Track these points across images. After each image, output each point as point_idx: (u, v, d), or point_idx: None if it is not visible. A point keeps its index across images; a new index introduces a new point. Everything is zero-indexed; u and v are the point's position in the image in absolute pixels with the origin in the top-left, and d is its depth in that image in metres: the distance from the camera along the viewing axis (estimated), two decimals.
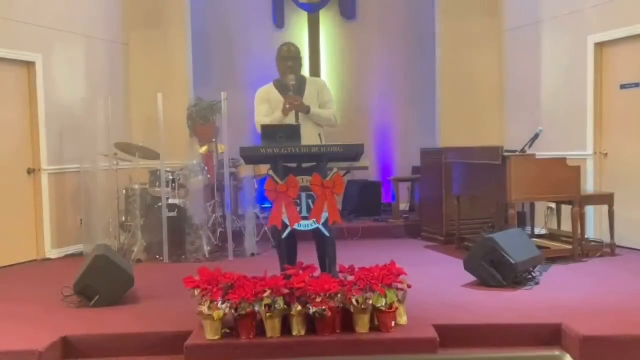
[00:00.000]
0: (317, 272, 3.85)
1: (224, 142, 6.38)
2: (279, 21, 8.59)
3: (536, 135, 5.52)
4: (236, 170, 6.98)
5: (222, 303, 3.50)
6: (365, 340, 3.50)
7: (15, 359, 3.45)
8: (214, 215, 6.69)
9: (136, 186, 6.35)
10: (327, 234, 3.98)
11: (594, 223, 6.34)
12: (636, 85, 5.97)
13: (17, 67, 6.21)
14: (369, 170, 7.71)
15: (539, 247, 5.26)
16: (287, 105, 4.31)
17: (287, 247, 4.23)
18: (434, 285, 4.69)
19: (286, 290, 3.54)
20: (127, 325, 3.90)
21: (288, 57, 4.48)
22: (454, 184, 6.33)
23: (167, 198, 6.18)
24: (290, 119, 4.31)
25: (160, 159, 6.17)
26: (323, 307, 3.44)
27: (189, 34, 7.87)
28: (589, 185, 6.31)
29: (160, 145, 6.15)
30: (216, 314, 3.47)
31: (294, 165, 4.04)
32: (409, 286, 3.72)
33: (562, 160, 5.48)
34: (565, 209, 6.03)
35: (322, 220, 3.92)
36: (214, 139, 7.05)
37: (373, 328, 3.58)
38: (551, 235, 6.18)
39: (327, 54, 8.64)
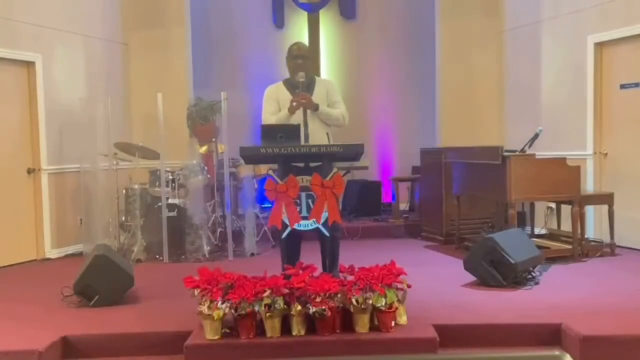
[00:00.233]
0: (317, 272, 3.85)
1: (224, 142, 6.38)
2: (279, 21, 8.59)
3: (536, 135, 5.52)
4: (236, 170, 6.98)
5: (222, 303, 3.50)
6: (365, 340, 3.50)
7: (15, 359, 3.45)
8: (214, 215, 6.69)
9: (136, 186, 6.35)
10: (327, 233, 3.97)
11: (594, 223, 6.34)
12: (636, 85, 5.97)
13: (17, 67, 6.21)
14: (369, 170, 7.70)
15: (539, 247, 5.26)
16: (294, 104, 4.30)
17: (290, 247, 4.23)
18: (434, 285, 4.69)
19: (286, 290, 3.54)
20: (127, 325, 3.90)
21: (298, 55, 4.49)
22: (454, 184, 6.33)
23: (167, 198, 6.18)
24: (299, 117, 4.28)
25: (160, 159, 6.17)
26: (323, 307, 3.44)
27: (189, 34, 7.87)
28: (589, 185, 6.31)
29: (160, 145, 6.15)
30: (216, 314, 3.47)
31: (301, 165, 4.05)
32: (409, 286, 3.72)
33: (562, 160, 5.48)
34: (565, 209, 6.03)
35: (322, 220, 3.91)
36: (214, 139, 7.05)
37: (373, 328, 3.58)
38: (551, 235, 6.18)
39: (327, 54, 8.65)
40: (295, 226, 3.91)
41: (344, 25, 8.68)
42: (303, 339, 3.51)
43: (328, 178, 3.91)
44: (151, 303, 4.44)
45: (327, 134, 4.45)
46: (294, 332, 3.53)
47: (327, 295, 3.48)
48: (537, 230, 6.47)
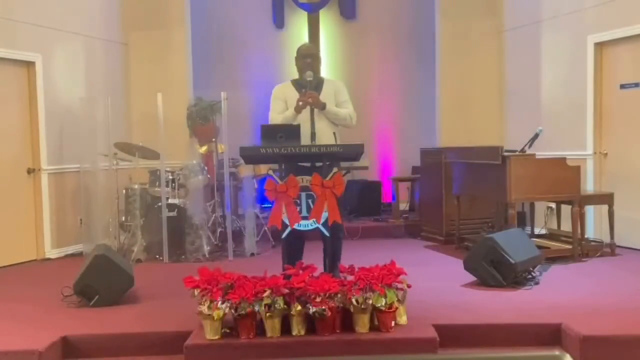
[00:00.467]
0: (317, 272, 3.85)
1: (224, 142, 6.38)
2: (279, 21, 8.59)
3: (536, 135, 5.52)
4: (236, 170, 6.98)
5: (222, 303, 3.50)
6: (365, 340, 3.50)
7: (15, 359, 3.45)
8: (214, 215, 6.69)
9: (136, 186, 6.35)
10: (326, 233, 3.98)
11: (594, 223, 6.34)
12: (636, 85, 5.97)
13: (17, 67, 6.21)
14: (369, 170, 7.71)
15: (539, 247, 5.26)
16: (301, 103, 4.30)
17: (292, 247, 4.24)
18: (434, 285, 4.69)
19: (286, 290, 3.54)
20: (127, 325, 3.90)
21: (307, 54, 4.49)
22: (454, 184, 6.33)
23: (167, 198, 6.18)
24: (306, 116, 4.27)
25: (160, 159, 6.17)
26: (323, 307, 3.44)
27: (189, 34, 7.87)
28: (589, 185, 6.31)
29: (160, 145, 6.15)
30: (216, 314, 3.47)
31: (307, 164, 4.06)
32: (409, 286, 3.72)
33: (562, 160, 5.48)
34: (565, 209, 6.03)
35: (322, 220, 3.91)
36: (214, 139, 7.05)
37: (373, 328, 3.58)
38: (551, 235, 6.18)
39: (327, 54, 8.64)
40: (296, 226, 3.91)
41: (344, 25, 8.68)
42: (303, 339, 3.51)
43: (328, 178, 3.91)
44: (151, 303, 4.44)
45: (334, 133, 4.44)
46: (294, 332, 3.53)
47: (327, 295, 3.48)
48: (537, 230, 6.47)
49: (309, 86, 4.33)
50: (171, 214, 6.11)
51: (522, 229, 5.67)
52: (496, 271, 4.59)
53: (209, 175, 6.59)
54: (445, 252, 6.18)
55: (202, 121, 7.24)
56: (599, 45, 6.29)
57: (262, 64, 8.43)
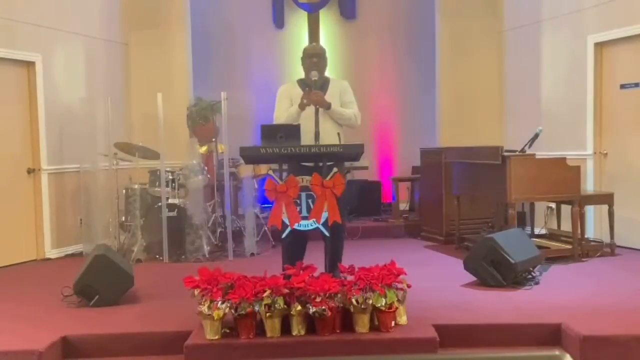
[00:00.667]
0: (317, 272, 3.85)
1: (224, 142, 6.38)
2: (279, 21, 8.59)
3: (536, 135, 5.52)
4: (236, 170, 6.98)
5: (222, 303, 3.50)
6: (365, 340, 3.50)
7: (15, 359, 3.45)
8: (214, 215, 6.69)
9: (136, 186, 6.35)
10: (326, 233, 3.98)
11: (594, 223, 6.34)
12: (636, 85, 5.97)
13: (17, 67, 6.20)
14: (369, 170, 7.71)
15: (539, 247, 5.26)
16: (305, 101, 4.30)
17: (294, 247, 4.24)
18: (434, 285, 4.69)
19: (286, 290, 3.54)
20: (127, 325, 3.90)
21: (313, 53, 4.48)
22: (454, 184, 6.33)
23: (167, 198, 6.18)
24: (311, 116, 4.27)
25: (160, 159, 6.17)
26: (323, 307, 3.44)
27: (189, 34, 7.87)
28: (589, 185, 6.31)
29: (160, 145, 6.15)
30: (216, 314, 3.47)
31: (311, 164, 4.07)
32: (409, 286, 3.72)
33: (562, 160, 5.48)
34: (565, 209, 6.03)
35: (322, 220, 3.91)
36: (214, 139, 7.05)
37: (373, 328, 3.58)
38: (551, 235, 6.18)
39: (327, 54, 8.61)
40: (296, 226, 3.91)
41: (344, 25, 8.68)
42: (303, 339, 3.51)
43: (328, 178, 3.91)
44: (151, 303, 4.44)
45: (339, 134, 4.42)
46: (294, 332, 3.53)
47: (327, 295, 3.48)
48: (537, 230, 6.47)
49: (314, 86, 4.32)
50: (171, 214, 6.11)
51: (522, 229, 5.67)
52: (496, 271, 4.59)
53: (209, 175, 6.59)
54: (445, 252, 6.18)
55: (202, 121, 7.24)
56: (599, 45, 6.29)
57: (262, 64, 8.43)
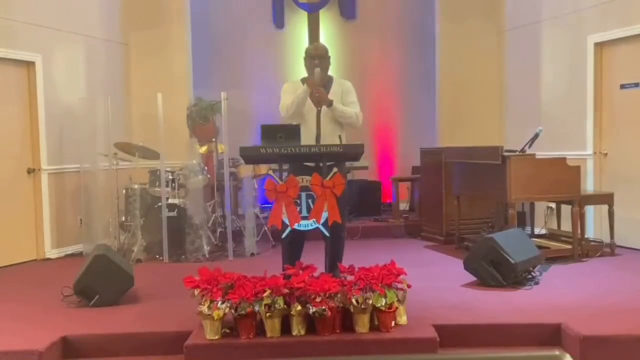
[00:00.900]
0: (317, 272, 3.85)
1: (224, 142, 6.38)
2: (279, 21, 8.59)
3: (536, 135, 5.52)
4: (236, 170, 6.98)
5: (222, 303, 3.50)
6: (365, 340, 3.50)
7: (15, 359, 3.45)
8: (214, 215, 6.69)
9: (136, 186, 6.35)
10: (326, 234, 3.98)
11: (594, 223, 6.34)
12: (636, 85, 5.97)
13: (17, 67, 6.20)
14: (369, 170, 7.71)
15: (539, 247, 5.26)
16: (310, 82, 4.28)
17: (292, 247, 4.24)
18: (434, 285, 4.69)
19: (286, 290, 3.54)
20: (127, 325, 3.90)
21: (315, 54, 4.47)
22: (454, 184, 6.33)
23: (167, 198, 6.18)
24: (312, 115, 4.28)
25: (160, 159, 6.17)
26: (323, 307, 3.44)
27: (189, 34, 7.87)
28: (589, 185, 6.31)
29: (160, 145, 6.15)
30: (216, 314, 3.47)
31: (312, 164, 4.07)
32: (409, 286, 3.72)
33: (562, 160, 5.48)
34: (565, 209, 6.03)
35: (322, 220, 3.91)
36: (214, 139, 7.05)
37: (373, 328, 3.58)
38: (551, 235, 6.18)
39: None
40: (296, 226, 3.91)
41: (344, 25, 8.67)
42: (303, 339, 3.51)
43: (328, 178, 3.91)
44: (151, 303, 4.44)
45: (340, 136, 4.41)
46: (294, 332, 3.53)
47: (327, 295, 3.48)
48: (537, 230, 6.47)
49: (315, 77, 4.28)
50: (171, 214, 6.11)
51: (522, 229, 5.67)
52: (496, 271, 4.59)
53: (209, 175, 6.59)
54: (445, 252, 6.18)
55: (202, 121, 7.24)
56: (599, 45, 6.29)
57: (262, 64, 8.43)
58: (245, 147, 4.04)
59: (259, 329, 3.56)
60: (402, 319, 3.66)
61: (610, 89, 6.25)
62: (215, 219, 6.69)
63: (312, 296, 3.48)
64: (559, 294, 4.35)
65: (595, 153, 6.36)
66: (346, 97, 4.48)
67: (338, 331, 3.56)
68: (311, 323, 3.55)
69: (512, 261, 4.52)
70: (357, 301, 3.51)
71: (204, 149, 7.20)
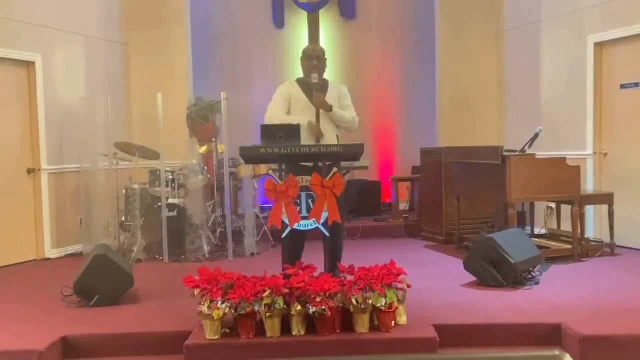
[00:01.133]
0: (317, 272, 3.85)
1: (224, 142, 6.38)
2: (279, 21, 8.59)
3: (536, 135, 5.52)
4: (236, 170, 6.98)
5: (222, 303, 3.50)
6: (365, 340, 3.50)
7: (15, 359, 3.45)
8: (214, 215, 6.69)
9: (136, 186, 6.35)
10: (326, 234, 3.98)
11: (594, 223, 6.34)
12: (636, 85, 5.97)
13: (17, 67, 6.20)
14: (369, 170, 7.71)
15: (539, 247, 5.26)
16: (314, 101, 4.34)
17: (292, 247, 4.24)
18: (434, 285, 4.69)
19: (286, 290, 3.54)
20: (127, 325, 3.90)
21: (314, 55, 4.52)
22: (454, 184, 6.33)
23: (167, 198, 6.18)
24: (311, 116, 4.34)
25: (160, 159, 6.17)
26: (323, 307, 3.44)
27: (189, 34, 7.87)
28: (589, 185, 6.31)
29: (160, 145, 6.15)
30: (216, 314, 3.47)
31: (310, 164, 4.08)
32: (409, 286, 3.72)
33: (562, 160, 5.48)
34: (565, 209, 6.03)
35: (322, 220, 3.91)
36: (214, 139, 7.05)
37: (373, 328, 3.58)
38: (551, 235, 6.18)
39: (327, 54, 8.60)
40: (296, 226, 3.91)
41: (344, 25, 8.67)
42: (303, 339, 3.51)
43: (328, 178, 3.91)
44: (151, 303, 4.44)
45: (337, 136, 4.50)
46: (294, 332, 3.53)
47: (327, 295, 3.48)
48: (537, 230, 6.47)
49: (315, 88, 4.35)
50: (171, 214, 6.11)
51: (522, 229, 5.67)
52: (496, 271, 4.59)
53: (209, 175, 6.59)
54: (445, 252, 6.18)
55: (202, 121, 7.24)
56: (599, 45, 6.29)
57: (262, 64, 8.43)
58: (245, 147, 4.04)
59: (259, 329, 3.56)
60: (402, 319, 3.66)
61: (610, 89, 6.25)
62: (215, 219, 6.69)
63: (312, 296, 3.48)
64: (559, 294, 4.35)
65: (595, 153, 6.36)
66: (343, 102, 4.55)
67: (338, 331, 3.56)
68: (311, 323, 3.55)
69: (512, 261, 4.52)
70: (357, 301, 3.50)
71: (204, 149, 7.20)
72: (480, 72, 7.77)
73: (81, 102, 6.77)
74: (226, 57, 8.46)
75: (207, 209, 6.53)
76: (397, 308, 3.59)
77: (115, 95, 7.07)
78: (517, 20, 7.40)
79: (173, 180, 6.28)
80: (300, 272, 3.70)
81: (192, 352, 3.49)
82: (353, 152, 4.04)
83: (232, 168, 6.72)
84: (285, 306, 3.50)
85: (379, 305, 3.51)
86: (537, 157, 5.51)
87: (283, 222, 3.92)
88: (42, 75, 6.35)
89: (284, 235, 4.03)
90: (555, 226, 6.34)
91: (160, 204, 6.13)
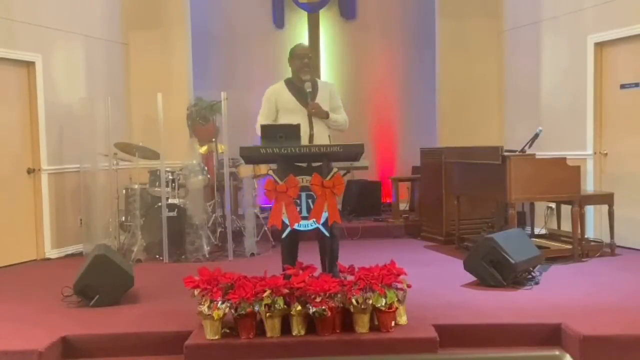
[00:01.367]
0: (317, 272, 3.85)
1: (224, 142, 6.38)
2: (279, 21, 8.59)
3: (536, 135, 5.52)
4: (236, 170, 6.98)
5: (222, 303, 3.50)
6: (365, 340, 3.50)
7: (15, 359, 3.45)
8: (214, 215, 6.69)
9: (136, 186, 6.35)
10: (327, 234, 3.98)
11: (594, 223, 6.34)
12: (636, 85, 5.97)
13: (17, 67, 6.20)
14: (369, 170, 7.69)
15: (539, 247, 5.25)
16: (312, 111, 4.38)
17: (291, 246, 4.24)
18: (434, 285, 4.69)
19: (286, 290, 3.54)
20: (127, 325, 3.90)
21: (304, 54, 4.53)
22: (454, 184, 6.33)
23: (167, 198, 6.18)
24: (304, 119, 4.34)
25: (160, 159, 6.17)
26: (323, 307, 3.44)
27: (189, 34, 7.87)
28: (589, 185, 6.31)
29: (160, 145, 6.15)
30: (216, 314, 3.47)
31: (304, 164, 4.08)
32: (409, 286, 3.72)
33: (562, 160, 5.48)
34: (565, 209, 6.03)
35: (322, 220, 3.92)
36: (214, 139, 7.05)
37: (373, 328, 3.58)
38: (551, 235, 6.18)
39: (327, 54, 8.65)
40: (296, 226, 3.91)
41: (344, 25, 8.67)
42: (303, 339, 3.51)
43: (328, 178, 3.91)
44: (151, 303, 4.44)
45: (329, 136, 4.52)
46: (294, 332, 3.53)
47: (327, 295, 3.48)
48: (537, 230, 6.47)
49: (310, 96, 4.36)
50: (171, 214, 6.11)
51: (522, 229, 5.67)
52: (496, 271, 4.59)
53: (209, 175, 6.59)
54: (445, 252, 6.18)
55: (202, 121, 7.24)
56: (599, 45, 6.29)
57: (262, 64, 8.42)
58: (245, 147, 4.04)
59: (259, 329, 3.56)
60: (402, 319, 3.66)
61: (610, 89, 6.25)
62: (215, 219, 6.69)
63: (312, 296, 3.48)
64: (559, 294, 4.35)
65: (595, 153, 6.35)
66: (334, 102, 4.56)
67: (338, 331, 3.56)
68: (311, 323, 3.55)
69: (512, 261, 4.52)
70: (357, 301, 3.51)
71: (204, 149, 7.20)
72: (480, 72, 7.77)
73: (81, 102, 6.77)
74: (226, 57, 8.46)
75: (207, 209, 6.53)
76: (397, 308, 3.59)
77: (115, 95, 7.07)
78: (517, 20, 7.40)
79: (173, 180, 6.28)
80: (300, 272, 3.71)
81: (192, 352, 3.49)
82: (353, 152, 4.04)
83: (232, 168, 6.72)
84: (285, 306, 3.50)
85: (379, 305, 3.51)
86: (537, 157, 5.51)
87: (283, 222, 3.92)
88: (42, 76, 6.35)
89: (284, 235, 4.03)
90: (555, 226, 6.34)
91: (160, 204, 6.13)
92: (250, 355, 3.46)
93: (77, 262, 5.44)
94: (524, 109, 7.32)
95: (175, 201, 6.23)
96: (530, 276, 4.75)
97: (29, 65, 6.29)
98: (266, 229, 6.73)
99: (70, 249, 6.64)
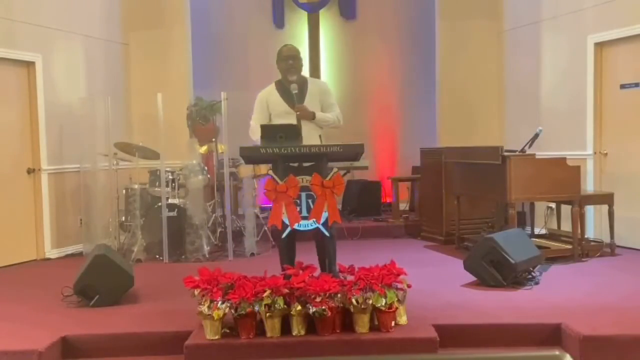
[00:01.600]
0: (317, 272, 3.85)
1: (224, 142, 6.38)
2: (279, 21, 8.59)
3: (536, 135, 5.52)
4: (236, 170, 6.98)
5: (222, 303, 3.50)
6: (365, 340, 3.50)
7: (15, 359, 3.45)
8: (214, 215, 6.69)
9: (136, 186, 6.35)
10: (327, 234, 3.98)
11: (594, 223, 6.34)
12: (636, 85, 5.97)
13: (17, 67, 6.20)
14: (369, 170, 7.71)
15: (539, 247, 5.26)
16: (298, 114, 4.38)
17: (289, 246, 4.24)
18: (434, 285, 4.69)
19: (286, 290, 3.54)
20: (127, 325, 3.90)
21: (289, 55, 4.51)
22: (454, 184, 6.33)
23: (167, 198, 6.18)
24: (292, 119, 4.34)
25: (160, 159, 6.17)
26: (323, 307, 3.44)
27: (189, 34, 7.87)
28: (589, 185, 6.31)
29: (160, 145, 6.15)
30: (216, 314, 3.47)
31: (295, 164, 4.06)
32: (409, 286, 3.72)
33: (562, 160, 5.48)
34: (565, 209, 6.03)
35: (322, 220, 3.92)
36: (214, 139, 7.05)
37: (373, 328, 3.58)
38: (551, 235, 6.18)
39: (327, 54, 8.64)
40: (296, 226, 3.91)
41: (344, 25, 8.67)
42: (303, 339, 3.51)
43: (328, 178, 3.91)
44: (151, 303, 4.44)
45: (320, 136, 4.50)
46: (294, 332, 3.53)
47: (327, 295, 3.48)
48: (537, 230, 6.47)
49: (296, 98, 4.35)
50: (171, 214, 6.11)
51: (522, 229, 5.67)
52: (496, 271, 4.59)
53: (209, 175, 6.59)
54: (445, 252, 6.18)
55: (202, 121, 7.24)
56: (599, 45, 6.29)
57: (262, 64, 8.39)
58: (245, 147, 4.04)
59: (259, 329, 3.56)
60: (402, 319, 3.66)
61: (610, 89, 6.25)
62: (215, 219, 6.69)
63: (312, 296, 3.48)
64: (559, 294, 4.35)
65: (595, 153, 6.36)
66: (326, 99, 4.55)
67: (338, 331, 3.56)
68: (311, 323, 3.55)
69: (512, 261, 4.52)
70: (357, 301, 3.51)
71: (204, 149, 7.20)
72: (480, 72, 7.77)
73: (81, 102, 6.77)
74: (226, 57, 8.46)
75: (207, 209, 6.53)
76: (397, 308, 3.59)
77: (115, 95, 7.07)
78: (517, 20, 7.40)
79: (173, 180, 6.28)
80: (300, 272, 3.71)
81: (192, 352, 3.49)
82: (353, 152, 4.04)
83: (232, 168, 6.72)
84: (285, 306, 3.50)
85: (379, 305, 3.51)
86: (537, 157, 5.51)
87: (283, 222, 3.92)
88: (42, 75, 6.35)
89: (284, 235, 4.02)
90: (555, 226, 6.34)
91: (160, 204, 6.13)
92: (250, 355, 3.46)
93: (77, 262, 5.44)
94: (524, 109, 7.32)
95: (175, 201, 6.23)
96: (530, 276, 4.75)
97: (29, 65, 6.29)
98: (266, 229, 6.73)
99: (70, 249, 6.64)
